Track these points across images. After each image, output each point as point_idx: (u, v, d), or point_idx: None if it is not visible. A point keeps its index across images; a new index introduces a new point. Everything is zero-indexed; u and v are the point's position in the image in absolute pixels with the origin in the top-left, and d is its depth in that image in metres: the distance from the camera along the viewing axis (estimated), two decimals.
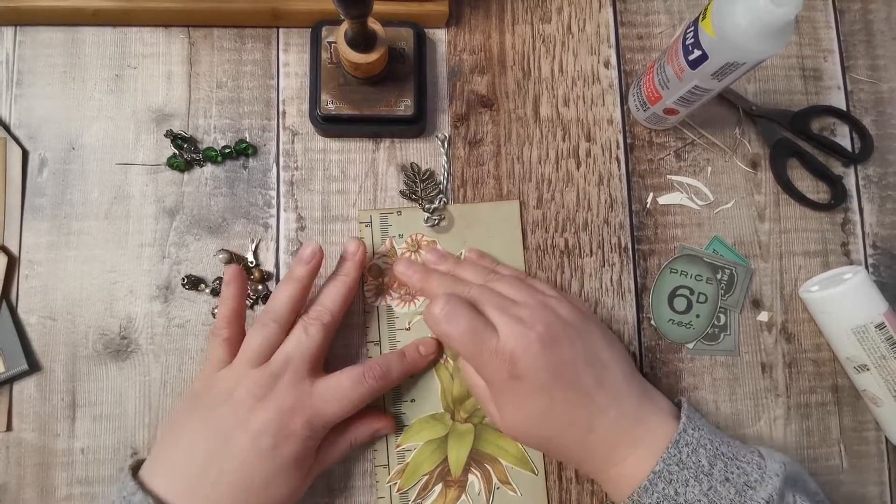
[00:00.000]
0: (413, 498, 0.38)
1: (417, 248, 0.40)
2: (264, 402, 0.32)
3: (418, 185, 0.40)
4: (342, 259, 0.37)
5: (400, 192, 0.41)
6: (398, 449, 0.38)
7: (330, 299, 0.36)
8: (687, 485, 0.30)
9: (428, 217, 0.40)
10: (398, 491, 0.38)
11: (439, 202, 0.40)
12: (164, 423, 0.37)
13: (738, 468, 0.31)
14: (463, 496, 0.38)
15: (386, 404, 0.39)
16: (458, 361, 0.37)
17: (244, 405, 0.32)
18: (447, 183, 0.41)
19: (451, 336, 0.32)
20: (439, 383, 0.39)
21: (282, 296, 0.35)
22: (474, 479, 0.38)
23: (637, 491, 0.31)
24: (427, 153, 0.42)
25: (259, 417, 0.32)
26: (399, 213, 0.40)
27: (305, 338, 0.34)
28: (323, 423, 0.33)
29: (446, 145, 0.41)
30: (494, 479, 0.38)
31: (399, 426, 0.38)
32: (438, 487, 0.38)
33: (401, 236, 0.40)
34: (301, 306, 0.36)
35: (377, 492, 0.38)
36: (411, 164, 0.41)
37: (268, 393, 0.32)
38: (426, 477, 0.38)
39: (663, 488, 0.30)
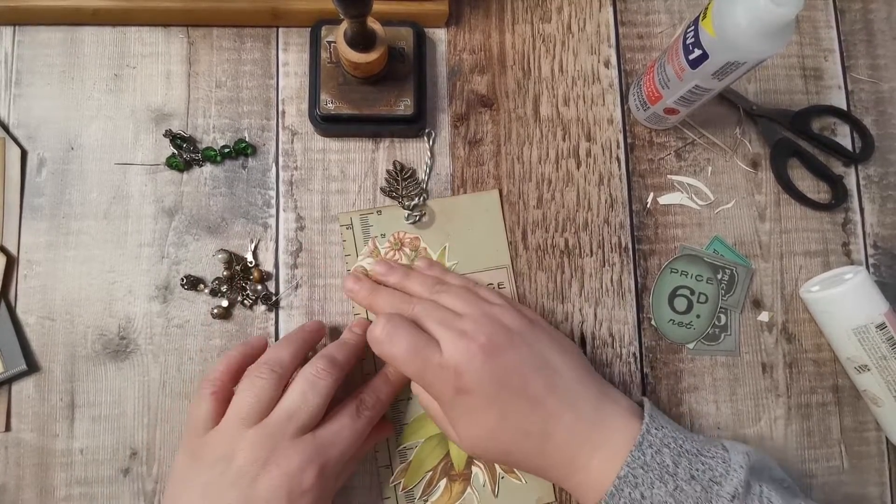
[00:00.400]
0: (419, 495, 0.38)
1: (401, 246, 0.40)
2: (268, 466, 0.30)
3: (400, 183, 0.40)
4: (350, 329, 0.38)
5: (381, 188, 0.41)
6: (400, 448, 0.38)
7: (341, 355, 0.34)
8: (653, 487, 0.29)
9: (409, 214, 0.40)
10: (403, 490, 0.38)
11: (419, 199, 0.40)
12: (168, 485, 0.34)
13: (702, 464, 0.30)
14: (468, 489, 0.38)
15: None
16: (412, 385, 0.37)
17: (247, 475, 0.29)
18: (429, 178, 0.41)
19: (394, 356, 0.32)
20: None
21: (282, 350, 0.34)
22: (478, 471, 0.38)
23: (604, 499, 0.30)
24: (427, 153, 0.41)
25: (265, 485, 0.29)
26: (379, 212, 0.40)
27: (312, 394, 0.32)
28: (335, 469, 0.32)
29: (432, 142, 0.41)
30: (498, 470, 0.38)
31: (399, 425, 0.38)
32: (443, 483, 0.38)
33: (383, 236, 0.40)
34: (299, 363, 0.34)
35: (382, 492, 0.38)
36: (394, 162, 0.41)
37: (270, 455, 0.30)
38: (430, 473, 0.38)
39: (629, 493, 0.29)
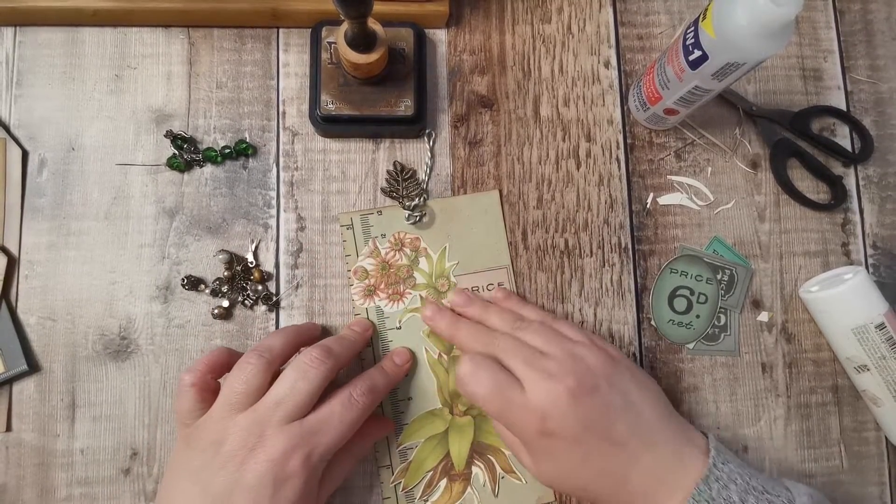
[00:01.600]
0: (419, 495, 0.38)
1: (401, 247, 0.40)
2: (255, 452, 0.30)
3: (400, 183, 0.40)
4: (349, 326, 0.38)
5: (381, 189, 0.41)
6: (400, 448, 0.38)
7: (338, 348, 0.34)
8: None
9: (409, 214, 0.40)
10: (403, 490, 0.38)
11: (420, 199, 0.40)
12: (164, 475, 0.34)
13: (768, 503, 0.30)
14: (469, 489, 0.38)
15: (384, 406, 0.39)
16: (493, 423, 0.37)
17: (235, 459, 0.30)
18: (429, 179, 0.41)
19: (476, 395, 0.32)
20: (435, 379, 0.39)
21: (273, 339, 0.34)
22: (478, 471, 0.38)
23: None
24: (427, 153, 0.42)
25: (252, 470, 0.30)
26: (379, 212, 0.40)
27: (303, 382, 0.32)
28: (320, 457, 0.31)
29: (432, 142, 0.41)
30: (498, 469, 0.38)
31: (399, 425, 0.38)
32: (443, 483, 0.38)
33: (383, 236, 0.40)
34: (291, 354, 0.35)
35: (382, 492, 0.38)
36: (394, 162, 0.41)
37: (258, 441, 0.30)
38: (430, 473, 0.38)
39: None
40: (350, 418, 0.32)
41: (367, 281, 0.39)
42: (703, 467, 0.31)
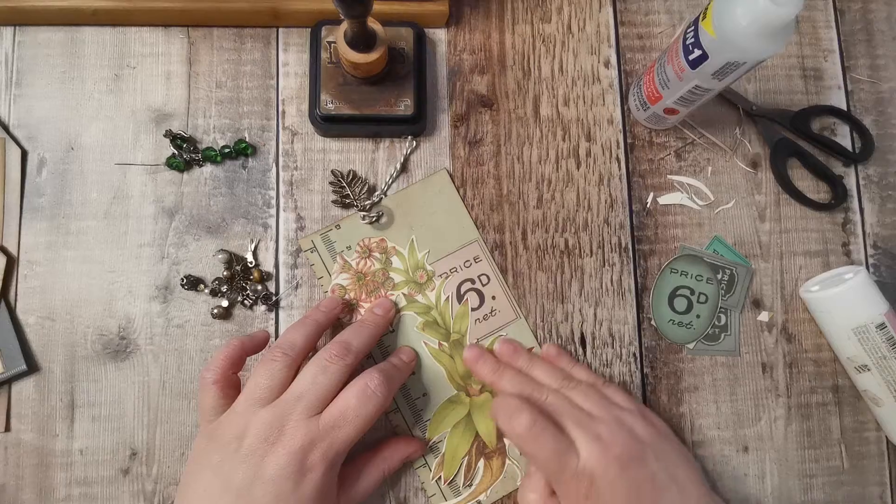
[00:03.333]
0: (462, 483, 0.38)
1: (369, 253, 0.40)
2: (276, 445, 0.31)
3: (347, 189, 0.40)
4: (371, 310, 0.38)
5: (332, 202, 0.40)
6: (429, 443, 0.38)
7: (358, 340, 0.35)
8: None
9: (364, 215, 0.39)
10: (445, 482, 0.38)
11: (376, 197, 0.39)
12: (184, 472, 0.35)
13: None
14: (507, 461, 0.38)
15: (403, 412, 0.38)
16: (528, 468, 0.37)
17: (256, 453, 0.31)
18: (393, 181, 0.40)
19: (535, 457, 0.32)
20: (442, 368, 0.39)
21: (296, 333, 0.34)
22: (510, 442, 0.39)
23: None
24: (427, 153, 0.41)
25: (273, 463, 0.30)
26: (338, 227, 0.40)
27: (323, 376, 0.32)
28: (338, 451, 0.32)
29: (408, 150, 0.41)
30: None
31: (422, 422, 0.38)
32: (481, 463, 0.38)
33: (349, 248, 0.40)
34: (313, 346, 0.35)
35: (426, 491, 0.38)
36: (332, 171, 0.40)
37: (279, 435, 0.31)
38: (466, 458, 0.38)
39: None
40: (366, 413, 0.32)
41: (346, 297, 0.39)
42: None
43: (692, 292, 0.42)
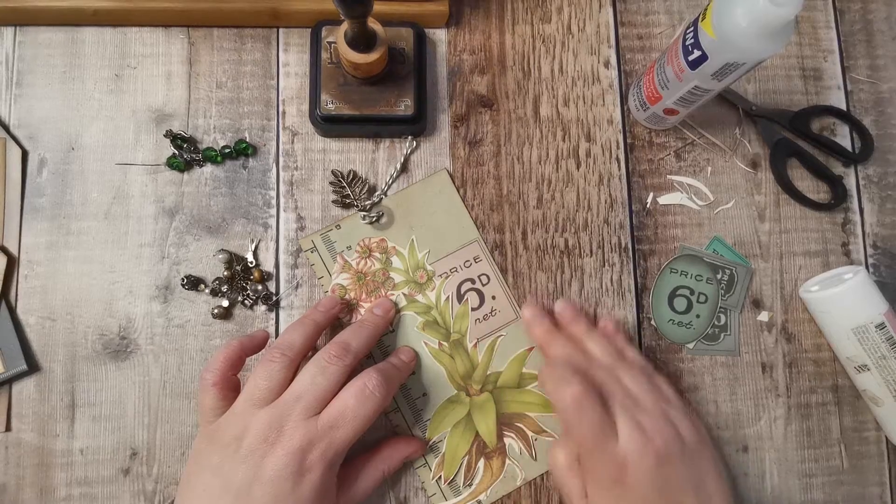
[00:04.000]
0: (462, 482, 0.38)
1: (370, 253, 0.40)
2: (275, 446, 0.31)
3: (347, 189, 0.40)
4: (371, 310, 0.38)
5: (332, 202, 0.40)
6: (430, 443, 0.38)
7: (357, 341, 0.35)
8: None
9: (365, 215, 0.39)
10: (445, 482, 0.38)
11: (377, 198, 0.40)
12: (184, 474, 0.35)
13: None
14: (507, 461, 0.38)
15: (403, 412, 0.38)
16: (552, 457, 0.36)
17: (255, 453, 0.31)
18: (393, 181, 0.40)
19: (575, 427, 0.32)
20: (442, 368, 0.39)
21: (294, 334, 0.34)
22: (511, 442, 0.39)
23: None
24: (427, 153, 0.42)
25: (271, 464, 0.30)
26: (338, 227, 0.40)
27: (321, 377, 0.32)
28: (336, 451, 0.32)
29: (408, 150, 0.41)
30: (529, 434, 0.39)
31: (422, 422, 0.38)
32: (481, 463, 0.38)
33: (349, 248, 0.40)
34: (312, 346, 0.35)
35: (426, 491, 0.38)
36: (332, 171, 0.40)
37: (278, 435, 0.31)
38: (466, 458, 0.38)
39: None
40: (364, 413, 0.32)
41: (346, 297, 0.39)
42: None
43: (692, 292, 0.42)
